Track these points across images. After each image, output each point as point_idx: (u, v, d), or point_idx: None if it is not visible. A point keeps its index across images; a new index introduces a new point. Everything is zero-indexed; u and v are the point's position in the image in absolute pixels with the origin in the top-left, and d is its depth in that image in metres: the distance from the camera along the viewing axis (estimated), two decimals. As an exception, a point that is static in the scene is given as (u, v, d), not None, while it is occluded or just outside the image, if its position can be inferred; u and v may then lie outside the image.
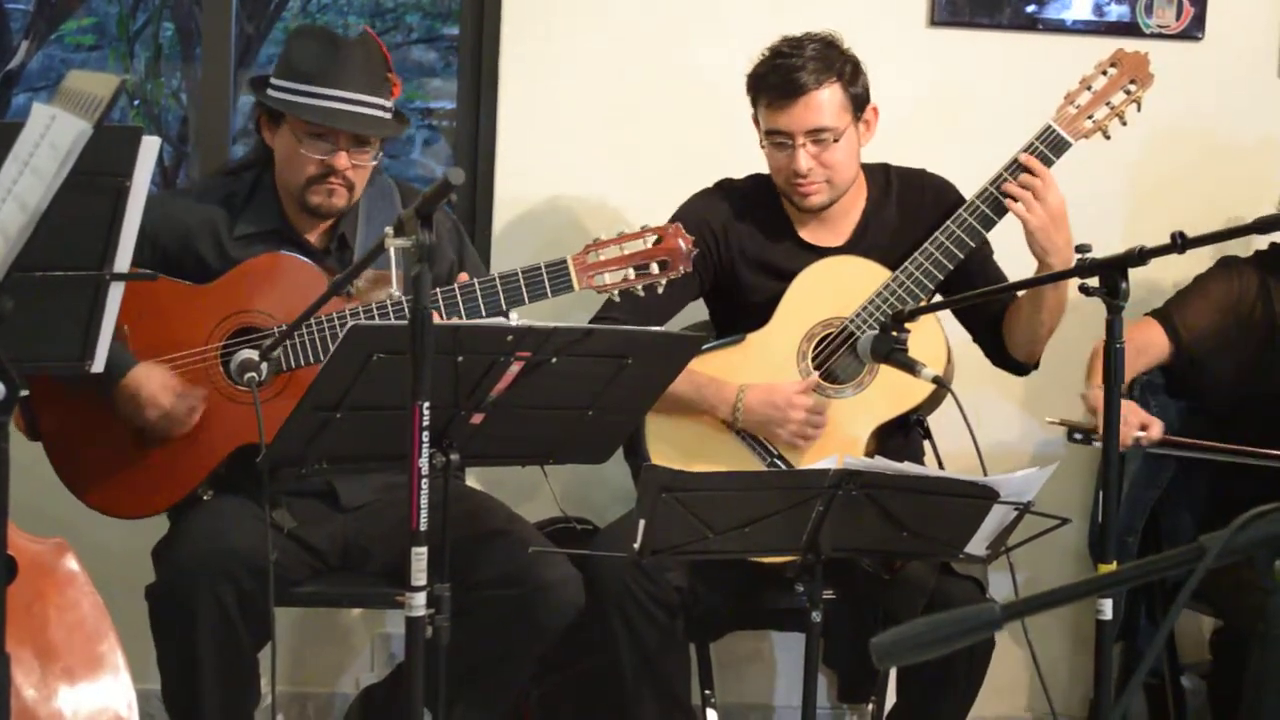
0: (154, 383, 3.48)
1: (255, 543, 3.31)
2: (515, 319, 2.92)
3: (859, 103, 3.68)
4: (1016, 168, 3.63)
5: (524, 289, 3.43)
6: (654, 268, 3.43)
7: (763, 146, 3.72)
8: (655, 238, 3.43)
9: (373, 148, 3.59)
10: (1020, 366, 3.82)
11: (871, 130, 3.73)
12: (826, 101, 3.63)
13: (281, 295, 3.51)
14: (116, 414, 3.49)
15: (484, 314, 3.42)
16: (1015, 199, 3.59)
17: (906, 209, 3.80)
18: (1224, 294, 3.91)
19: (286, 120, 3.57)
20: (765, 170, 3.77)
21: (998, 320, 3.78)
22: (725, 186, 3.85)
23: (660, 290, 3.45)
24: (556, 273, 3.42)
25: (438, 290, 3.41)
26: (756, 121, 3.73)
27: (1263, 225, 3.68)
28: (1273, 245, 3.99)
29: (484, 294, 3.43)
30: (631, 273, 3.42)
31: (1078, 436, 3.65)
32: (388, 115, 3.58)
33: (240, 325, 3.53)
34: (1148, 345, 3.86)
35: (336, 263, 3.62)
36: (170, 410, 3.47)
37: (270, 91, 3.57)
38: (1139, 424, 3.65)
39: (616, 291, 3.43)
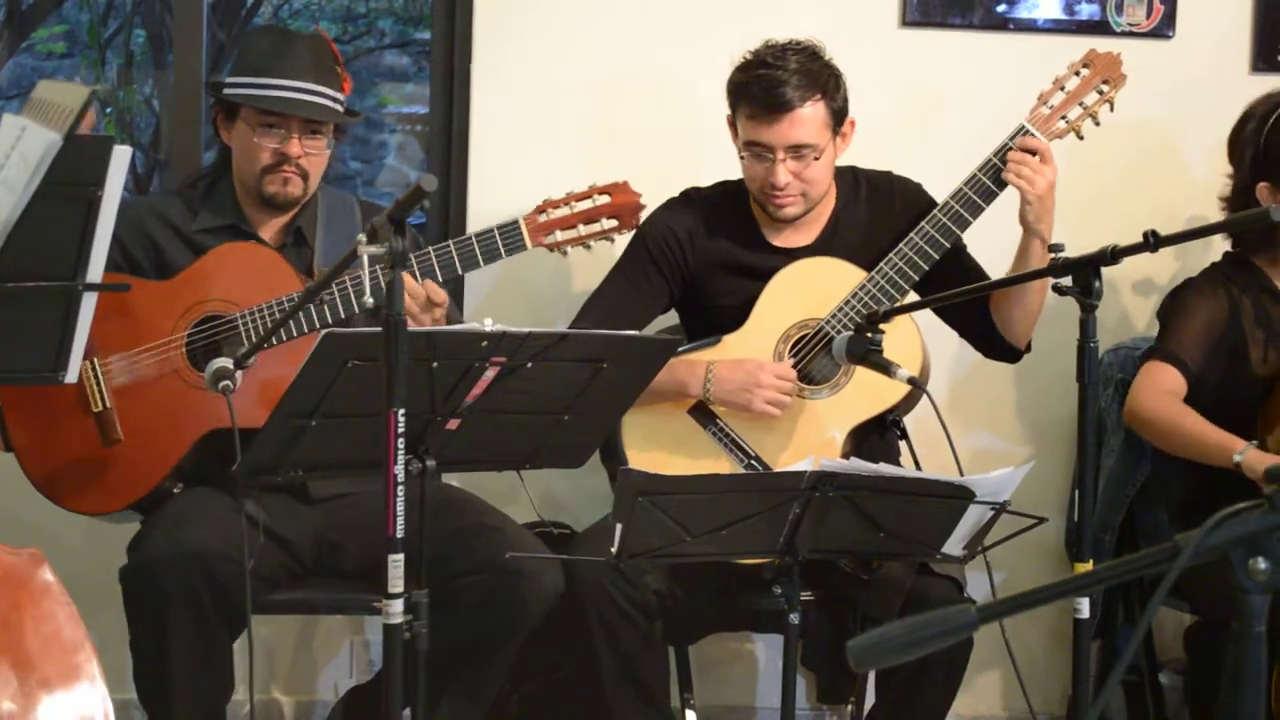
0: None
1: (227, 534, 3.33)
2: (490, 324, 2.92)
3: (839, 117, 3.69)
4: (1004, 153, 3.63)
5: (478, 251, 3.51)
6: (605, 223, 3.51)
7: (742, 157, 3.72)
8: (605, 196, 3.51)
9: (325, 136, 3.68)
10: (1013, 352, 3.82)
11: (848, 141, 3.74)
12: (810, 120, 3.63)
13: (239, 281, 3.60)
14: (106, 394, 3.56)
15: (439, 279, 3.50)
16: (1021, 165, 3.60)
17: (876, 211, 3.81)
18: (1208, 317, 3.87)
19: (241, 113, 3.66)
20: (737, 175, 3.78)
21: (983, 312, 3.78)
22: (691, 195, 3.86)
23: (613, 241, 3.54)
24: (509, 233, 3.50)
25: None
26: (733, 125, 3.73)
27: (1235, 224, 3.71)
28: (1231, 256, 4.00)
29: (439, 259, 3.51)
30: (583, 229, 3.51)
31: None
32: (338, 106, 3.67)
33: (202, 314, 3.60)
34: (1175, 389, 3.82)
35: (293, 257, 3.70)
36: None
37: (225, 90, 3.67)
38: None
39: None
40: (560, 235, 3.50)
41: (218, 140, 3.76)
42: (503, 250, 3.50)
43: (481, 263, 3.51)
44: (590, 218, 3.51)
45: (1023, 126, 3.66)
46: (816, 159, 3.65)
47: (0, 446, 3.61)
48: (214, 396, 3.30)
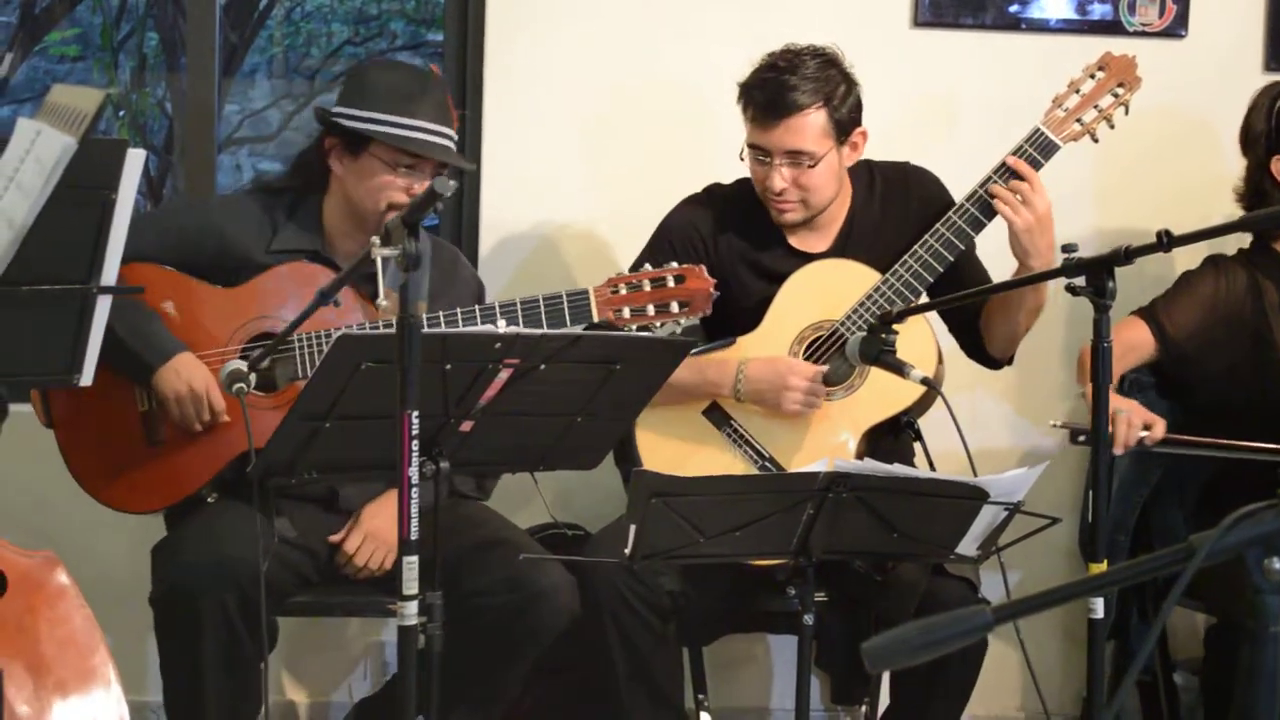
0: (200, 368, 3.51)
1: (256, 551, 3.32)
2: (504, 326, 2.92)
3: (844, 128, 3.65)
4: (1005, 170, 3.63)
5: (544, 315, 3.44)
6: (674, 306, 3.44)
7: (742, 158, 3.71)
8: (678, 277, 3.44)
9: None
10: (994, 362, 3.84)
11: (858, 152, 3.72)
12: (808, 126, 3.61)
13: (300, 302, 3.50)
14: (152, 394, 3.52)
15: None
16: (1003, 201, 3.60)
17: (891, 206, 3.80)
18: (1211, 292, 3.91)
19: (370, 148, 3.56)
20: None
21: (975, 316, 3.79)
22: (713, 192, 3.85)
23: (679, 330, 3.46)
24: (577, 303, 3.44)
25: (457, 310, 3.44)
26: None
27: (1251, 222, 3.70)
28: (1256, 242, 4.00)
29: (504, 317, 3.43)
30: (652, 309, 3.43)
31: (1081, 439, 3.65)
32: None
33: (259, 331, 3.56)
34: (1134, 343, 3.87)
35: (368, 289, 3.61)
36: (203, 392, 3.49)
37: (354, 122, 3.56)
38: (1142, 423, 3.66)
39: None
40: (628, 312, 3.43)
41: (315, 159, 3.65)
42: (569, 319, 3.44)
43: (545, 326, 3.42)
44: (661, 300, 3.43)
45: (1037, 129, 3.65)
46: (813, 166, 3.63)
47: (42, 420, 3.61)
48: (258, 416, 3.30)
